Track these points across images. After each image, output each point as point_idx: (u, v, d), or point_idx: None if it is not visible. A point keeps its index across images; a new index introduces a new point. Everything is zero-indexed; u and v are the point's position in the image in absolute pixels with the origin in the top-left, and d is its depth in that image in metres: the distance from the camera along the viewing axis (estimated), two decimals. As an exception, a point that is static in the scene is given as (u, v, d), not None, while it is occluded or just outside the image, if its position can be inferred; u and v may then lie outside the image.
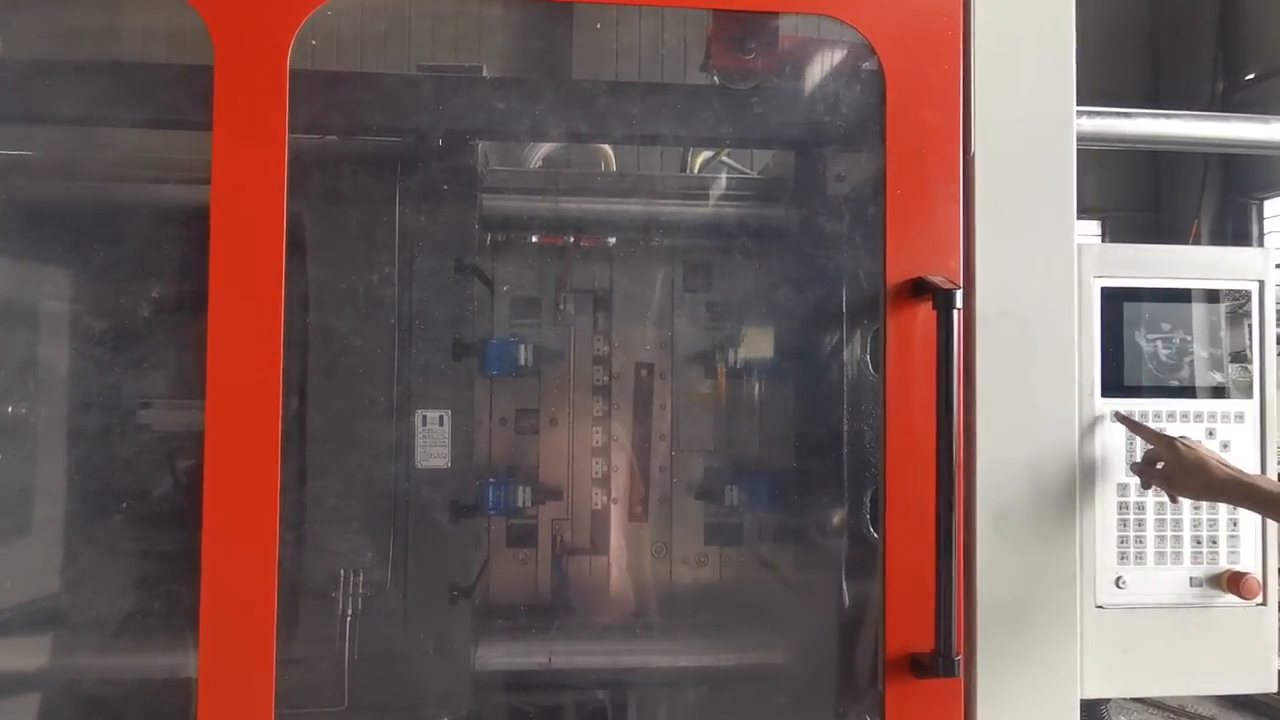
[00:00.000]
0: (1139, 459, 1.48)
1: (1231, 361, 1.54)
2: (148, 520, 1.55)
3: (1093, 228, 11.86)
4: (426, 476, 1.63)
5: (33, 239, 1.64)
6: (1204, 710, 2.63)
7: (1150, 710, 2.61)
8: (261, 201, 1.26)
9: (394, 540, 1.62)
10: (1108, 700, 1.69)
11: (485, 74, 1.70)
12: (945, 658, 1.28)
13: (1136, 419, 1.49)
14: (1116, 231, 11.83)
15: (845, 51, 1.56)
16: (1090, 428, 1.49)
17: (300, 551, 1.54)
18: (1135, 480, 1.49)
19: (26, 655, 1.63)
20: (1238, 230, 11.28)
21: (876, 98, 1.39)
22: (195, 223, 1.28)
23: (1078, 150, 1.45)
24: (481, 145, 1.74)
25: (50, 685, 1.63)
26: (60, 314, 1.66)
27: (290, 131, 1.27)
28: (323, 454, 1.59)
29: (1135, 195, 12.20)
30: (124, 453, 1.63)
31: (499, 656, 1.75)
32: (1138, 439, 1.49)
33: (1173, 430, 1.51)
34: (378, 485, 1.62)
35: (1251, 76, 11.06)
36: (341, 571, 1.58)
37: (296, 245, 1.39)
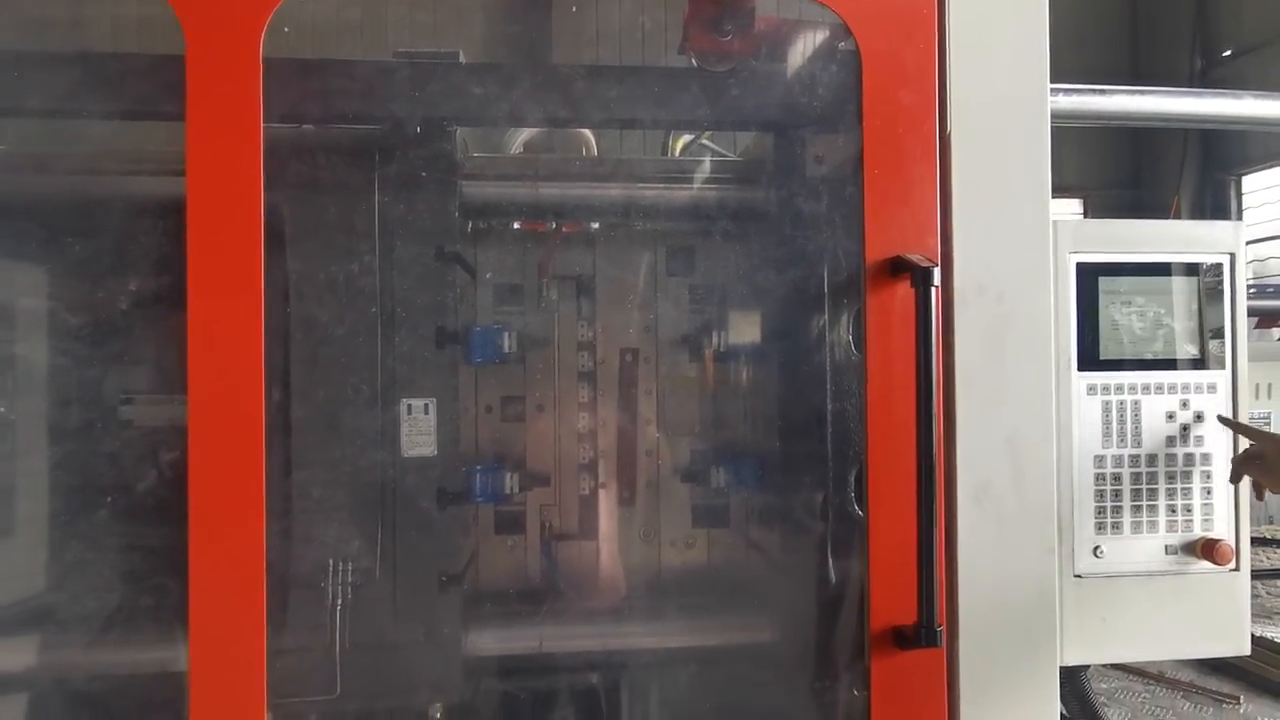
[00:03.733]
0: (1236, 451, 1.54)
1: (1213, 338, 1.57)
2: (135, 515, 1.54)
3: (1074, 205, 11.95)
4: (413, 465, 1.63)
5: (4, 234, 1.62)
6: (1182, 676, 2.69)
7: (1129, 676, 2.67)
8: (238, 192, 1.25)
9: (382, 529, 1.62)
10: (1087, 667, 1.73)
11: (462, 59, 1.68)
12: (928, 629, 1.31)
13: (1229, 417, 1.56)
14: (1098, 208, 11.94)
15: (821, 32, 1.56)
16: (1067, 401, 1.52)
17: (288, 542, 1.54)
18: (1111, 452, 1.52)
19: (16, 655, 1.62)
20: (1217, 205, 11.41)
21: (853, 78, 1.39)
22: (172, 215, 1.27)
23: (1056, 128, 1.46)
24: (460, 131, 1.73)
25: (41, 683, 1.63)
26: (36, 310, 1.65)
27: (265, 120, 1.25)
28: (308, 444, 1.58)
29: (1116, 172, 12.29)
30: (107, 448, 1.62)
31: (490, 642, 1.76)
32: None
33: (1148, 403, 1.54)
34: (364, 474, 1.62)
35: (1229, 53, 11.15)
36: (330, 561, 1.58)
37: (275, 236, 1.38)
